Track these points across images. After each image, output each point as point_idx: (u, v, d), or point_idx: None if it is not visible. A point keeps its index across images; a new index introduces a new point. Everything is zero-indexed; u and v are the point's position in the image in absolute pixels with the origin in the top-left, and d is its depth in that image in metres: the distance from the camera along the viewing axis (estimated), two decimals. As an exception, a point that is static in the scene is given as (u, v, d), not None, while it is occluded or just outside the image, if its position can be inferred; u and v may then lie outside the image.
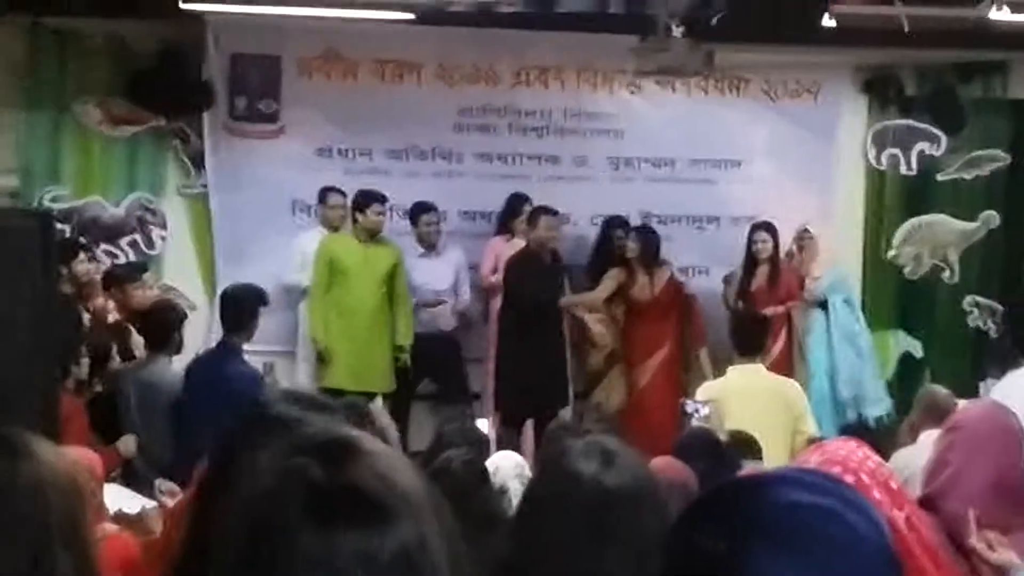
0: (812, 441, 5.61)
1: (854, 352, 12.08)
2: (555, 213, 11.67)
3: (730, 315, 11.38)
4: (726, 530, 1.69)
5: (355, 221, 11.55)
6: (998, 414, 4.42)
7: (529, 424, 11.19)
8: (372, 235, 11.54)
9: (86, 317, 9.82)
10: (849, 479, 3.22)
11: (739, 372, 9.33)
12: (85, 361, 8.92)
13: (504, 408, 11.23)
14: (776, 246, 12.00)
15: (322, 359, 11.43)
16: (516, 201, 12.17)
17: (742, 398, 8.91)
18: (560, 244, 11.81)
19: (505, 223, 12.23)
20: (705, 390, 9.24)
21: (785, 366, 11.35)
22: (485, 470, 5.39)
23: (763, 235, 12.03)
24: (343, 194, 11.77)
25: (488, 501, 5.13)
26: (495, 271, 11.92)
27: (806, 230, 12.22)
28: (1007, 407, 4.52)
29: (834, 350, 12.00)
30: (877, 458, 3.40)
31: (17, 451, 2.62)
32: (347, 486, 1.65)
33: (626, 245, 11.95)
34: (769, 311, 11.48)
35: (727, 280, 12.20)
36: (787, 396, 9.30)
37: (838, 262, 12.45)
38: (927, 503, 4.14)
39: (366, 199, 11.52)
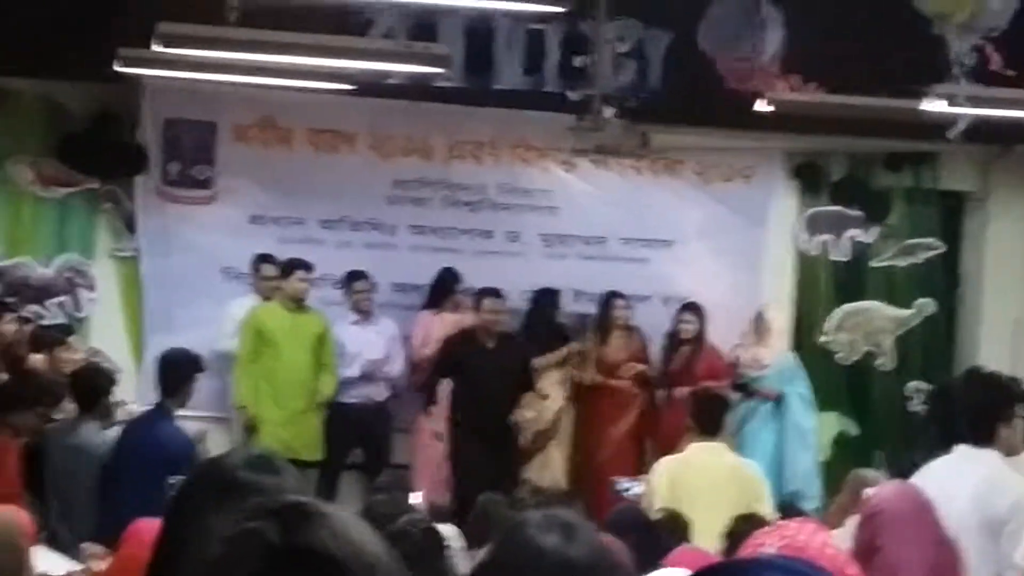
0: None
1: (803, 447, 12.06)
2: (499, 295, 11.71)
3: (690, 395, 11.39)
4: None
5: (280, 288, 11.55)
6: (910, 492, 4.45)
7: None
8: (298, 303, 11.55)
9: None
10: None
11: (701, 448, 9.25)
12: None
13: (459, 489, 11.22)
14: (701, 328, 12.08)
15: (250, 427, 11.37)
16: (446, 276, 12.17)
17: (703, 474, 8.89)
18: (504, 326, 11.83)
19: (434, 298, 12.21)
20: (665, 463, 9.21)
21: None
22: (443, 538, 5.41)
23: (689, 316, 12.11)
24: (276, 263, 11.74)
25: (446, 568, 5.14)
26: (424, 345, 11.91)
27: (761, 314, 12.23)
28: (915, 485, 4.54)
29: (785, 442, 11.95)
30: (834, 544, 3.39)
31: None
32: (304, 548, 1.64)
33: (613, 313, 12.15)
34: (677, 393, 11.64)
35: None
36: (747, 478, 9.25)
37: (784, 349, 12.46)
38: None
39: (291, 266, 11.58)
